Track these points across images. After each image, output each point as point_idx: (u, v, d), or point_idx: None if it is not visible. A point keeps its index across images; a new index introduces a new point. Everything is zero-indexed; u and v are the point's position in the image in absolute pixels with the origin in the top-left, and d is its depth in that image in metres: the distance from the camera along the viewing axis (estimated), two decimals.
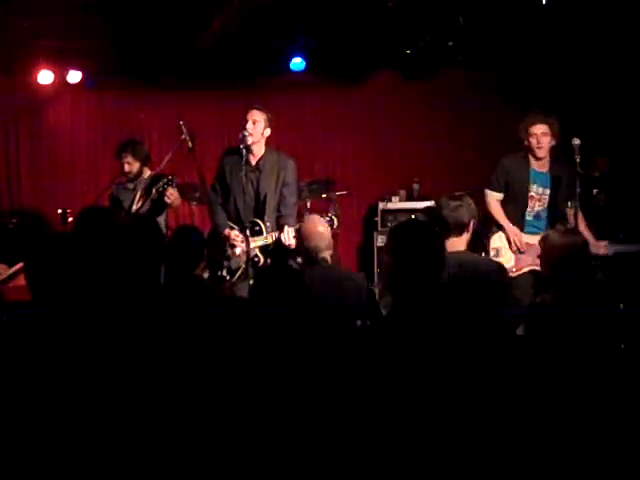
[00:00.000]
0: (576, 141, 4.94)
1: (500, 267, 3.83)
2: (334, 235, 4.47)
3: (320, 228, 4.23)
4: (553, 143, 5.19)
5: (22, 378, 2.41)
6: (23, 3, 6.20)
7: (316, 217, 4.45)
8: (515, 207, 5.25)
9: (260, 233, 5.13)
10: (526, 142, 5.20)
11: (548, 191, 5.20)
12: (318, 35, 7.23)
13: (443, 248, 2.80)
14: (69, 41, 7.11)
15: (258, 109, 5.23)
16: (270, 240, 5.08)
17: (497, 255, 5.14)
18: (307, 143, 8.32)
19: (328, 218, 4.95)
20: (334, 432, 2.45)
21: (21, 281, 2.81)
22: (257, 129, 5.18)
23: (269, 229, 5.13)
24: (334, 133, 8.58)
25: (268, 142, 5.35)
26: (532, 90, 8.29)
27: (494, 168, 5.39)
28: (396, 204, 8.15)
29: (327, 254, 4.17)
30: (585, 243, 3.60)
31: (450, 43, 7.18)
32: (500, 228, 5.24)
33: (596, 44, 7.03)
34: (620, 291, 5.55)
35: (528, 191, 5.20)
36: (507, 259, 5.10)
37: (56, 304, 2.53)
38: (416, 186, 8.34)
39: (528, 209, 5.23)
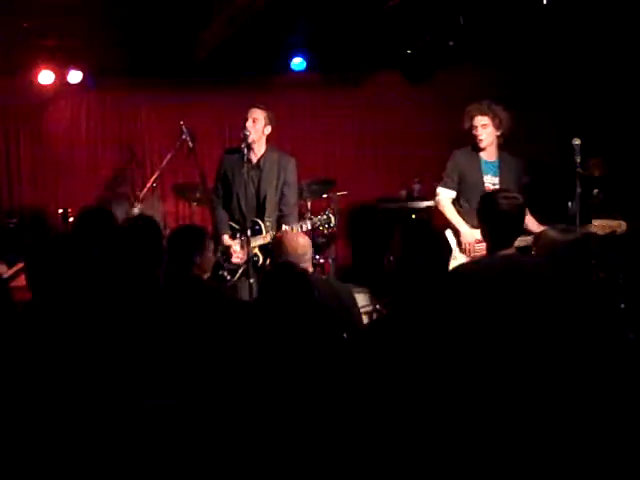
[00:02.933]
0: (576, 141, 4.92)
1: (550, 273, 3.52)
2: (332, 233, 4.47)
3: (300, 240, 4.16)
4: (498, 134, 5.22)
5: (22, 376, 2.40)
6: (23, 3, 6.20)
7: (291, 232, 4.46)
8: (471, 202, 5.13)
9: (260, 232, 5.15)
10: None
11: (497, 179, 5.22)
12: (318, 35, 7.23)
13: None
14: (69, 41, 7.12)
15: (258, 107, 5.26)
16: (269, 239, 5.09)
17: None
18: (307, 143, 8.32)
19: (325, 216, 4.95)
20: (336, 432, 2.45)
21: (21, 281, 2.80)
22: (257, 127, 5.21)
23: (269, 228, 5.15)
24: (334, 133, 8.57)
25: (269, 140, 5.36)
26: (532, 89, 8.31)
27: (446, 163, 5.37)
28: (396, 204, 8.13)
29: (308, 265, 4.10)
30: (582, 240, 3.57)
31: (450, 43, 7.17)
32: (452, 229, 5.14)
33: (596, 43, 7.04)
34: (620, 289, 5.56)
35: (483, 183, 5.18)
36: (458, 258, 4.97)
37: (56, 304, 2.53)
38: (416, 186, 8.32)
39: None
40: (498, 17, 6.54)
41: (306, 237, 4.27)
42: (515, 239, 3.59)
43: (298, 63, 7.85)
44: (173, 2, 6.37)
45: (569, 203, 5.12)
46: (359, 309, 4.31)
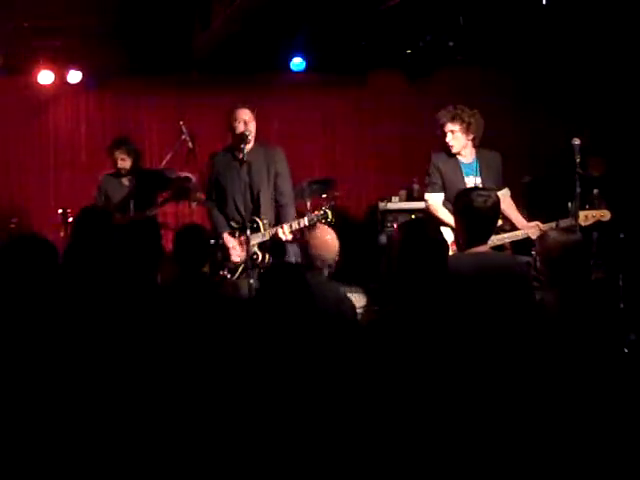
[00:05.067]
0: (576, 141, 4.92)
1: (523, 265, 3.68)
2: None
3: (328, 237, 4.19)
4: (471, 137, 5.19)
5: (22, 376, 2.40)
6: (23, 3, 6.21)
7: (326, 228, 4.40)
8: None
9: (257, 230, 5.15)
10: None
11: (480, 179, 5.19)
12: (318, 35, 7.23)
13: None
14: (69, 41, 7.12)
15: (246, 107, 5.24)
16: (268, 236, 5.10)
17: None
18: (307, 143, 8.32)
19: (322, 212, 4.94)
20: (338, 431, 2.45)
21: None
22: (252, 126, 5.21)
23: (266, 226, 5.15)
24: (334, 133, 8.58)
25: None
26: (532, 89, 8.31)
27: (427, 168, 5.32)
28: (396, 204, 8.11)
29: (329, 268, 4.13)
30: (583, 242, 3.58)
31: (451, 43, 7.18)
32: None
33: (596, 43, 7.04)
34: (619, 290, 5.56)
35: (465, 185, 5.11)
36: None
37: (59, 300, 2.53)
38: (416, 186, 8.30)
39: None
40: (498, 17, 6.54)
41: (334, 237, 4.23)
42: (490, 236, 3.61)
43: (298, 63, 7.85)
44: (173, 2, 6.38)
45: (569, 203, 5.12)
46: (357, 322, 4.28)
